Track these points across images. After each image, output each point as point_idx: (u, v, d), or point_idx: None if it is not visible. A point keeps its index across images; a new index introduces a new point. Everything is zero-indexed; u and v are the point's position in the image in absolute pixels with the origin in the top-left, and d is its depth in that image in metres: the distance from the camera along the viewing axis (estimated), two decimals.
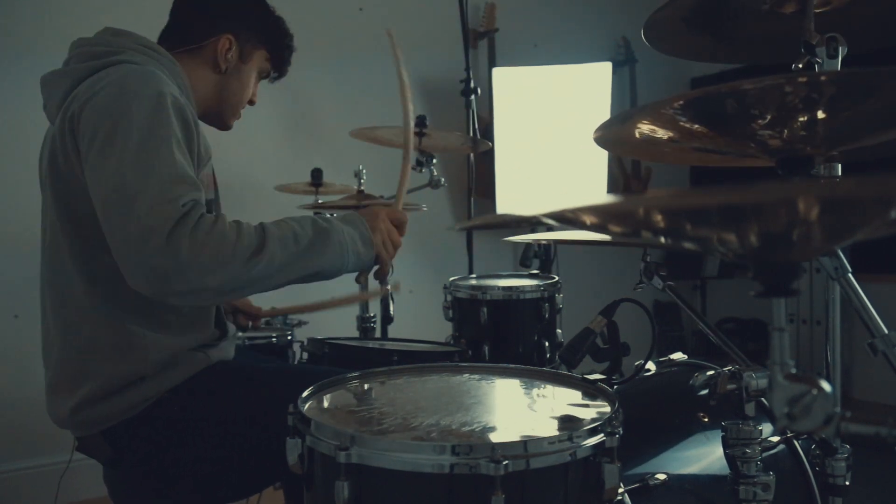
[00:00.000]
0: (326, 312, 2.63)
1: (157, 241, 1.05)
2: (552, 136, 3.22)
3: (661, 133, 0.94)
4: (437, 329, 2.05)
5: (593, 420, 0.92)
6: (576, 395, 1.05)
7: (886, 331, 1.11)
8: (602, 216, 0.61)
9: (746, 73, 0.85)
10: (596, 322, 1.13)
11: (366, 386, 1.12)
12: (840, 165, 1.14)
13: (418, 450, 0.81)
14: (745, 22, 1.20)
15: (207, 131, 1.35)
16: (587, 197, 0.55)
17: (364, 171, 2.29)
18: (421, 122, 2.18)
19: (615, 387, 1.13)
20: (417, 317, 2.64)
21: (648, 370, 1.31)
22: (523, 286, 1.89)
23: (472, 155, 2.78)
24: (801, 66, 1.06)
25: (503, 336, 1.87)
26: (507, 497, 0.76)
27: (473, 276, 2.24)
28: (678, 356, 1.42)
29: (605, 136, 1.01)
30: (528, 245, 2.70)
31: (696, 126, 0.91)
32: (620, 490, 0.92)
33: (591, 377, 1.07)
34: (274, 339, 2.16)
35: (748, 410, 1.03)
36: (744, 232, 0.57)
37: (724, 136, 0.94)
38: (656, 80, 3.88)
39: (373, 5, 3.30)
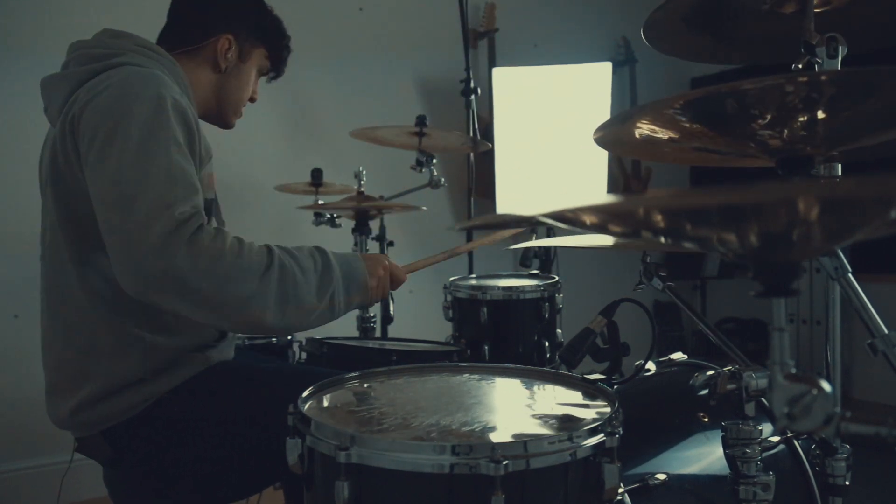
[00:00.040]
0: None
1: (152, 244, 1.05)
2: (552, 136, 3.22)
3: (661, 133, 0.94)
4: (437, 329, 2.05)
5: (593, 420, 0.92)
6: (576, 395, 1.05)
7: (886, 331, 1.11)
8: (602, 216, 0.61)
9: (746, 73, 0.84)
10: (596, 322, 1.13)
11: (366, 386, 1.12)
12: (840, 165, 1.14)
13: (418, 450, 0.81)
14: (745, 22, 1.20)
15: (207, 131, 1.35)
16: (587, 197, 0.55)
17: (364, 171, 2.29)
18: (421, 122, 2.18)
19: (615, 387, 1.13)
20: (417, 317, 2.64)
21: (648, 370, 1.32)
22: (523, 286, 1.89)
23: (472, 155, 2.78)
24: (801, 66, 1.06)
25: (503, 336, 1.87)
26: (507, 497, 0.76)
27: (473, 276, 2.24)
28: (678, 356, 1.42)
29: (605, 136, 1.01)
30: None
31: (696, 126, 0.91)
32: (620, 490, 0.92)
33: (591, 377, 1.07)
34: (274, 339, 2.16)
35: (748, 410, 1.03)
36: (744, 232, 0.57)
37: (724, 136, 0.94)
38: (656, 80, 3.88)
39: (373, 5, 3.30)
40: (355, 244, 2.31)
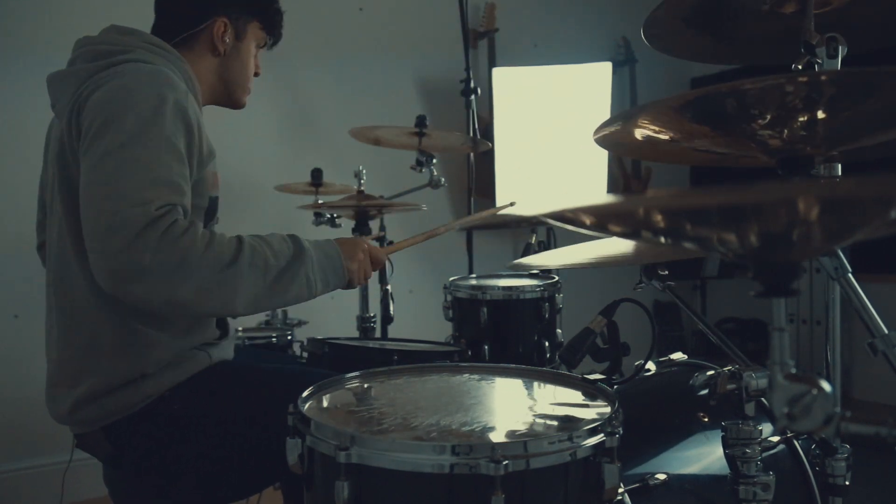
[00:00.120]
0: (325, 312, 2.64)
1: (122, 240, 1.05)
2: (552, 136, 3.22)
3: (662, 133, 0.94)
4: (437, 329, 2.05)
5: (593, 420, 0.92)
6: (576, 395, 1.05)
7: (886, 331, 1.11)
8: (602, 216, 0.61)
9: (746, 73, 0.84)
10: (596, 322, 1.13)
11: (366, 386, 1.12)
12: (840, 165, 1.14)
13: (418, 450, 0.81)
14: (745, 22, 1.20)
15: (208, 130, 1.35)
16: (587, 197, 0.55)
17: (364, 171, 2.29)
18: (421, 122, 2.18)
19: (615, 387, 1.13)
20: (417, 317, 2.64)
21: (648, 370, 1.31)
22: (523, 286, 1.89)
23: (472, 155, 2.78)
24: (801, 66, 1.06)
25: (503, 336, 1.87)
26: (507, 497, 0.76)
27: (473, 276, 2.24)
28: (678, 356, 1.42)
29: (605, 136, 1.01)
30: (527, 244, 2.70)
31: (696, 126, 0.91)
32: (620, 490, 0.92)
33: (591, 377, 1.07)
34: (274, 339, 2.16)
35: (748, 410, 1.03)
36: (744, 232, 0.57)
37: (724, 136, 0.94)
38: (656, 80, 3.88)
39: (373, 5, 3.30)
40: None
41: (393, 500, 0.83)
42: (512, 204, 1.89)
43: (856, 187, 0.49)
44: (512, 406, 1.04)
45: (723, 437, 1.04)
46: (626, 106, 3.77)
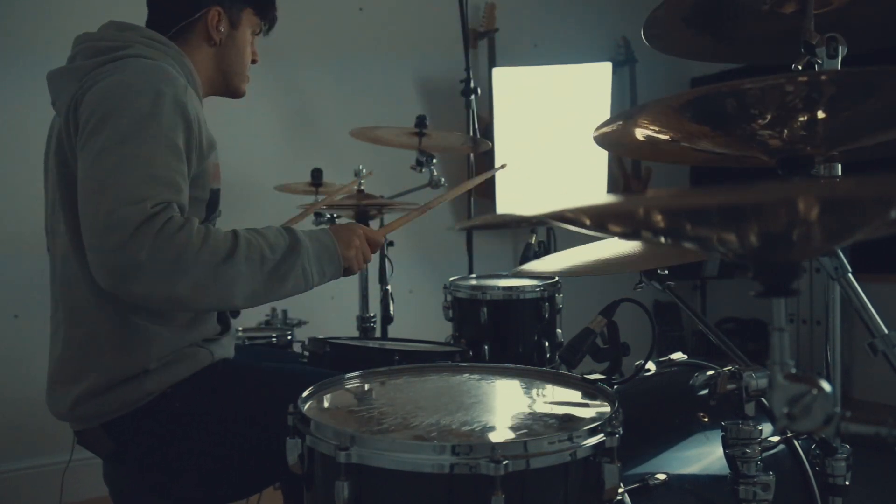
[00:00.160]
0: (326, 312, 2.64)
1: (118, 238, 1.05)
2: (552, 137, 3.22)
3: (662, 133, 0.94)
4: (437, 329, 2.05)
5: (593, 420, 0.92)
6: (576, 395, 1.05)
7: (886, 331, 1.11)
8: (602, 216, 0.61)
9: (746, 73, 0.85)
10: (596, 322, 1.13)
11: (366, 386, 1.12)
12: (840, 165, 1.14)
13: (418, 450, 0.81)
14: (745, 22, 1.20)
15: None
16: (587, 197, 0.55)
17: (364, 171, 2.29)
18: (421, 122, 2.18)
19: (615, 387, 1.13)
20: (417, 317, 2.64)
21: (648, 370, 1.31)
22: (523, 286, 1.89)
23: (472, 155, 2.78)
24: (801, 66, 1.06)
25: (503, 336, 1.87)
26: (507, 497, 0.76)
27: (473, 276, 2.24)
28: (678, 356, 1.42)
29: (605, 136, 1.01)
30: (527, 245, 2.70)
31: (697, 126, 0.91)
32: (620, 490, 0.92)
33: (591, 377, 1.07)
34: (274, 339, 2.16)
35: (748, 410, 1.03)
36: (744, 232, 0.57)
37: (724, 136, 0.94)
38: (656, 80, 3.88)
39: (373, 5, 3.30)
40: None
41: (393, 500, 0.83)
42: (503, 166, 1.90)
43: (856, 187, 0.49)
44: (512, 406, 1.04)
45: (723, 437, 1.04)
46: (626, 106, 3.77)
